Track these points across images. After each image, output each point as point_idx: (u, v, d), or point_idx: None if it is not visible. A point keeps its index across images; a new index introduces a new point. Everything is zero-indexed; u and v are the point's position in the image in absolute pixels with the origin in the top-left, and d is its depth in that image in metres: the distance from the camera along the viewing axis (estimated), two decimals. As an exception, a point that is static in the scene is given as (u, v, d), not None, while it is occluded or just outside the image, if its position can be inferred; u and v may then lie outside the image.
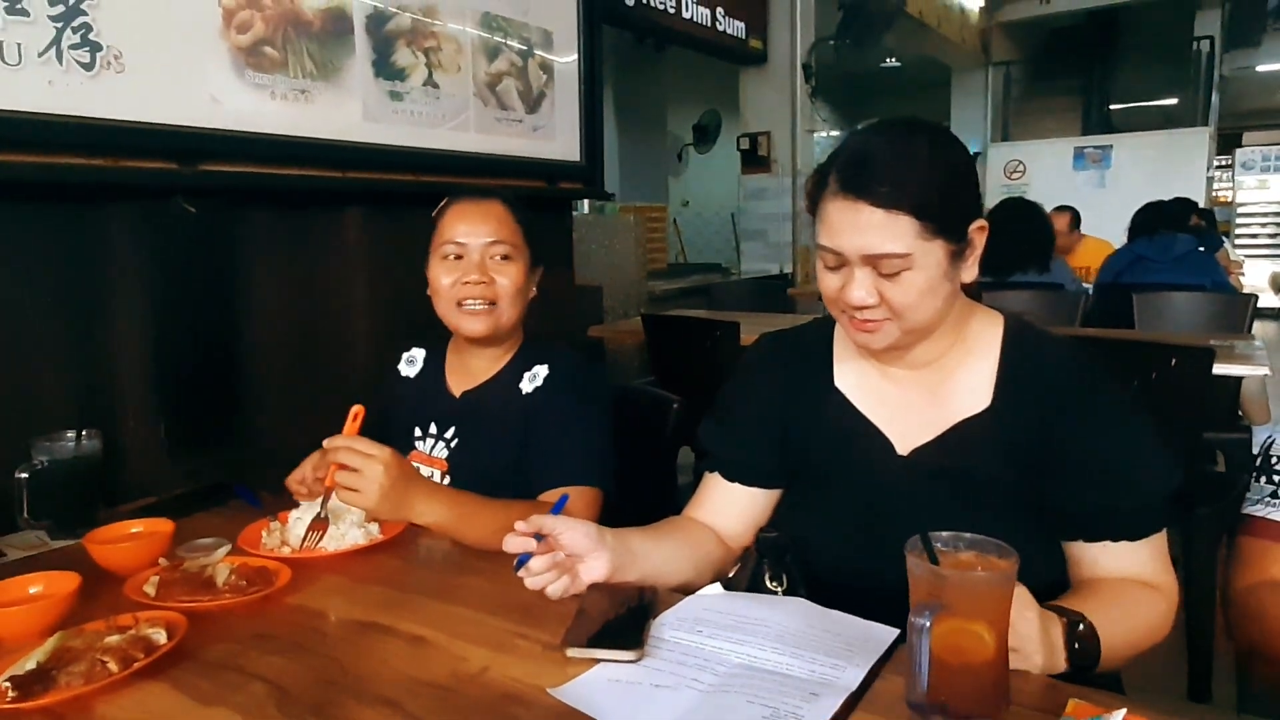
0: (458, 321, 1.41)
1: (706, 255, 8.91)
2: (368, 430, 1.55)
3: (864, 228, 0.98)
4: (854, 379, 1.17)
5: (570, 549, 1.03)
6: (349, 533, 1.23)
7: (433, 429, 1.46)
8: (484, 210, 1.42)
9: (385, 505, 1.14)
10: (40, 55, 1.35)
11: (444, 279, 1.41)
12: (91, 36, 1.40)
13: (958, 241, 1.01)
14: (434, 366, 1.54)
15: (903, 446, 1.10)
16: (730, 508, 1.24)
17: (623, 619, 0.95)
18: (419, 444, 1.46)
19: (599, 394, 1.43)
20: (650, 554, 1.10)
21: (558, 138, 2.40)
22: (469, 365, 1.48)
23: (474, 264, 1.39)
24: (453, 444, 1.43)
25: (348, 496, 1.14)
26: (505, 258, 1.41)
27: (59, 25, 1.37)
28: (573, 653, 0.90)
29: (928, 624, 0.72)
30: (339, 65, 1.80)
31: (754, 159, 6.82)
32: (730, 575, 1.15)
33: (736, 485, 1.23)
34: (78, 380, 1.46)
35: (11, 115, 1.31)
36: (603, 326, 4.25)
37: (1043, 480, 1.02)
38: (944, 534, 0.79)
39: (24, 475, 1.27)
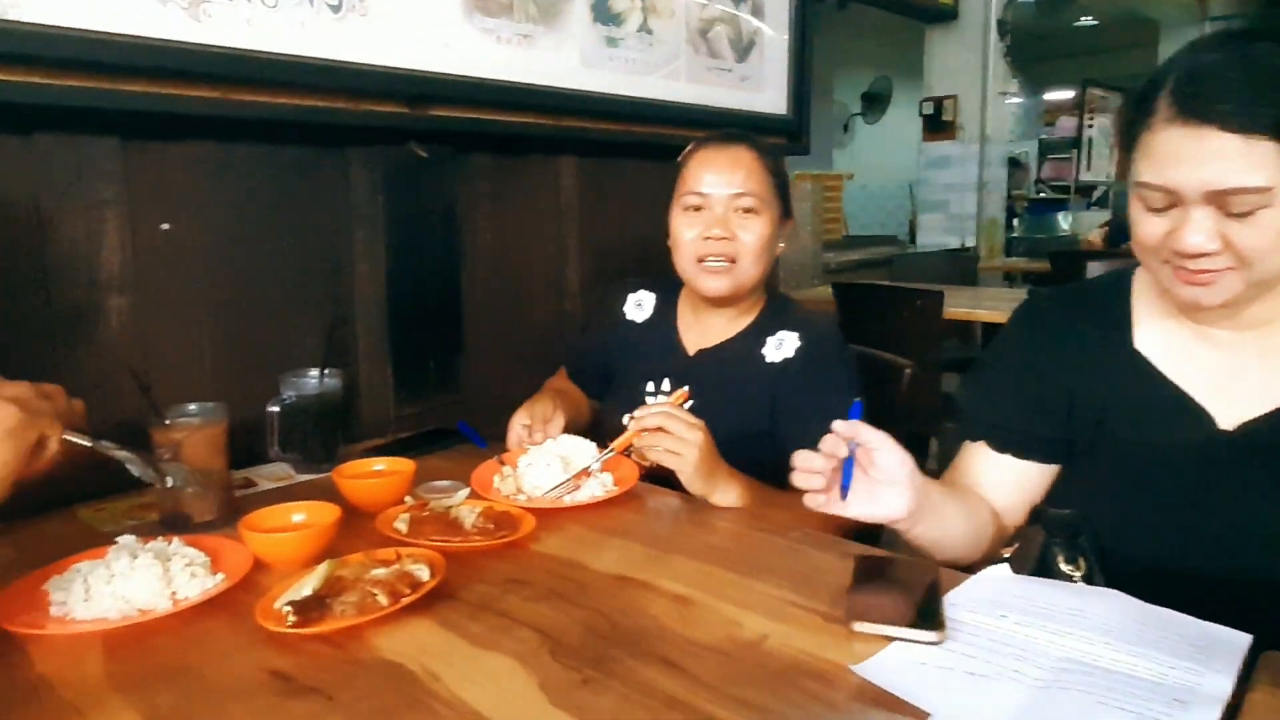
0: (696, 279, 1.33)
1: (871, 228, 8.51)
2: (587, 360, 1.54)
3: (1210, 158, 0.83)
4: (1159, 340, 1.01)
5: (881, 470, 0.92)
6: (586, 484, 1.19)
7: (666, 385, 1.39)
8: (731, 157, 1.31)
9: (701, 471, 1.14)
10: (293, -3, 1.37)
11: (685, 232, 1.32)
12: (338, -21, 1.42)
13: None
14: (665, 316, 1.46)
15: (1226, 420, 0.95)
16: (999, 481, 1.10)
17: (909, 595, 0.85)
18: (649, 400, 1.39)
19: (856, 371, 1.32)
20: (944, 510, 0.99)
21: (766, 89, 2.28)
22: (705, 322, 1.40)
23: (716, 217, 1.30)
24: (687, 405, 1.35)
25: (668, 458, 1.15)
26: (750, 210, 1.30)
27: (309, -32, 1.38)
28: (861, 627, 0.81)
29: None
30: (559, 9, 1.76)
31: (938, 124, 6.39)
32: (1007, 555, 1.02)
33: (1007, 457, 1.10)
34: (322, 320, 1.49)
35: (270, 57, 1.34)
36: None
37: None
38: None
39: (275, 409, 1.30)
